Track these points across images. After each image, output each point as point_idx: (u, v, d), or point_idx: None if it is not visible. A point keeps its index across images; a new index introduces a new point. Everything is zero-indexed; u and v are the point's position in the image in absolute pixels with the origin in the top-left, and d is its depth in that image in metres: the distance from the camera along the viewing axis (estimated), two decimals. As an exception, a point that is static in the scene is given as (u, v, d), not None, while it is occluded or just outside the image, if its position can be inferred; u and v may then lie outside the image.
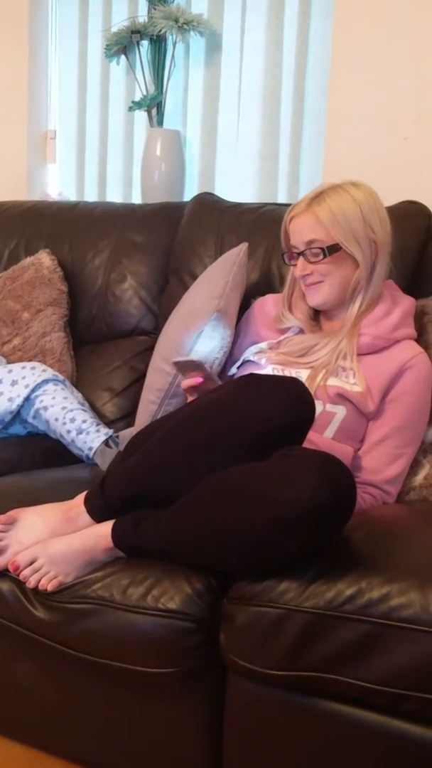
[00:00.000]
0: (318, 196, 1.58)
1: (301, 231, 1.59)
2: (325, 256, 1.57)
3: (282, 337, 1.69)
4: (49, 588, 1.27)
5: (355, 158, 2.20)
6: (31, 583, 1.27)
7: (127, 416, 2.02)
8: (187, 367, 1.54)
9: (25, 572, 1.28)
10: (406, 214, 1.86)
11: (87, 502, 1.33)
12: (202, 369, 1.52)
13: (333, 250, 1.56)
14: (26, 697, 1.40)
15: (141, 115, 2.72)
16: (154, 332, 2.11)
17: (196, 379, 1.53)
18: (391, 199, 1.89)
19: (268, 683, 1.19)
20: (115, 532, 1.27)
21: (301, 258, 1.60)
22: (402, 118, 2.14)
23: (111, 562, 1.28)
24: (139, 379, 2.02)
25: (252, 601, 1.18)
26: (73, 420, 1.79)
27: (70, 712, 1.37)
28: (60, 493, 1.40)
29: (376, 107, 2.17)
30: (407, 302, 1.66)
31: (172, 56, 2.57)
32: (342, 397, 1.54)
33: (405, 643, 1.09)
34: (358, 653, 1.12)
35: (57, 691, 1.37)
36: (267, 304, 1.78)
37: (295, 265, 1.63)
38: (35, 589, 1.28)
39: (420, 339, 1.65)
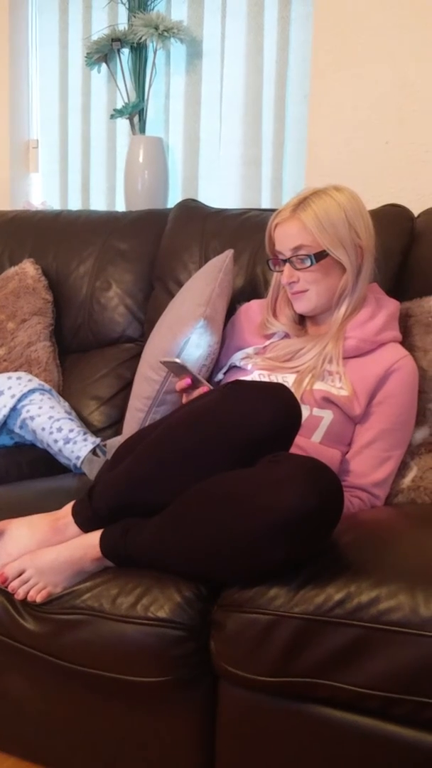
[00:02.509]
0: (302, 202, 1.58)
1: (286, 238, 1.59)
2: (312, 263, 1.57)
3: (268, 342, 1.69)
4: (38, 599, 1.26)
5: (337, 162, 2.20)
6: (19, 594, 1.27)
7: (115, 424, 2.02)
8: (174, 368, 1.55)
9: (14, 584, 1.27)
10: (389, 217, 1.87)
11: (75, 512, 1.32)
12: (187, 370, 1.53)
13: (320, 256, 1.57)
14: (17, 710, 1.39)
15: (123, 123, 2.72)
16: (140, 340, 2.11)
17: (185, 381, 1.54)
18: (373, 203, 1.91)
19: (260, 690, 1.19)
20: (104, 542, 1.26)
21: (287, 265, 1.60)
22: (383, 121, 2.15)
23: (100, 572, 1.28)
24: (126, 387, 2.02)
25: (242, 608, 1.18)
26: (60, 429, 1.79)
27: (62, 723, 1.36)
28: (48, 504, 1.39)
29: (357, 111, 2.18)
30: (392, 305, 1.66)
31: (153, 63, 2.57)
32: (328, 401, 1.54)
33: (395, 646, 1.10)
34: (348, 658, 1.12)
35: (48, 702, 1.36)
36: (252, 310, 1.78)
37: (280, 272, 1.63)
38: (24, 601, 1.28)
39: (405, 341, 1.66)
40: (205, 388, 1.54)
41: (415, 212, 1.92)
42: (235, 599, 1.19)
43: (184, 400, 1.59)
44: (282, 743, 1.21)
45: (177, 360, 1.55)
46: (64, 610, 1.26)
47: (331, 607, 1.13)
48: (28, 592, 1.27)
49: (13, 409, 1.81)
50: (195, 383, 1.55)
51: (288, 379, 1.58)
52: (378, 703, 1.12)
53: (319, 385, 1.56)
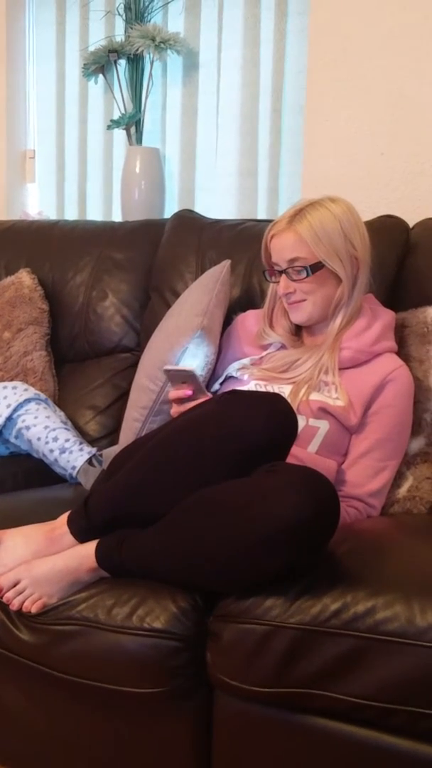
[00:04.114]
0: (298, 214, 1.58)
1: (282, 249, 1.60)
2: (308, 275, 1.57)
3: (264, 353, 1.69)
4: (33, 610, 1.26)
5: (333, 174, 2.21)
6: (14, 605, 1.26)
7: (111, 434, 2.01)
8: (177, 377, 1.54)
9: (9, 594, 1.27)
10: (384, 228, 1.87)
11: (70, 523, 1.32)
12: (193, 380, 1.52)
13: (316, 268, 1.57)
14: (12, 721, 1.38)
15: (120, 134, 2.73)
16: (137, 349, 2.11)
17: (185, 392, 1.53)
18: (368, 214, 1.91)
19: (256, 701, 1.19)
20: (99, 553, 1.26)
21: (283, 276, 1.61)
22: (379, 133, 2.16)
23: (95, 582, 1.28)
24: (122, 396, 2.01)
25: (238, 618, 1.18)
26: (56, 439, 1.78)
27: (57, 734, 1.35)
28: (43, 514, 1.39)
29: (352, 123, 2.19)
30: (387, 315, 1.67)
31: (150, 75, 2.59)
32: (325, 412, 1.54)
33: (391, 656, 1.09)
34: (345, 668, 1.12)
35: (43, 713, 1.36)
36: (248, 320, 1.78)
37: (277, 282, 1.64)
38: (19, 612, 1.27)
39: (400, 352, 1.66)
40: (205, 398, 1.53)
41: (411, 223, 1.93)
42: (231, 609, 1.19)
43: (174, 409, 1.58)
44: (278, 754, 1.20)
45: (187, 368, 1.52)
46: (59, 621, 1.25)
47: (328, 618, 1.13)
48: (23, 603, 1.26)
49: (9, 418, 1.81)
50: (195, 394, 1.54)
51: (284, 390, 1.58)
52: (374, 713, 1.11)
53: (315, 396, 1.56)
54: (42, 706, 1.35)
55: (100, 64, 2.64)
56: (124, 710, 1.29)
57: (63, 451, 1.77)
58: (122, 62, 2.62)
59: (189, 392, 1.53)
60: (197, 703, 1.25)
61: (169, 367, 1.55)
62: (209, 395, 1.55)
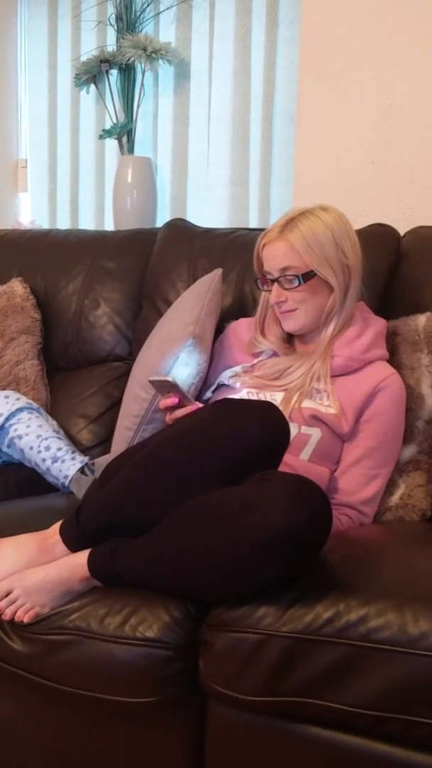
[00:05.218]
0: (290, 223, 1.59)
1: (274, 258, 1.60)
2: (300, 284, 1.58)
3: (256, 361, 1.70)
4: (26, 619, 1.25)
5: (324, 182, 2.22)
6: (7, 614, 1.26)
7: (103, 443, 2.01)
8: (162, 386, 1.55)
9: (1, 604, 1.26)
10: (375, 236, 1.88)
11: (62, 532, 1.32)
12: (176, 389, 1.53)
13: (308, 277, 1.57)
14: (4, 731, 1.38)
15: (112, 143, 2.74)
16: (129, 358, 2.11)
17: (171, 400, 1.54)
18: (360, 222, 1.93)
19: (249, 709, 1.19)
20: (92, 562, 1.26)
21: (275, 285, 1.61)
22: (370, 142, 2.17)
23: (88, 591, 1.27)
24: (115, 405, 2.01)
25: (230, 627, 1.17)
26: (48, 448, 1.78)
27: (49, 744, 1.35)
28: (35, 523, 1.39)
29: (343, 132, 2.20)
30: (379, 324, 1.68)
31: (142, 84, 2.60)
32: (317, 419, 1.55)
33: (384, 664, 1.09)
34: (337, 676, 1.12)
35: (35, 723, 1.35)
36: (240, 328, 1.78)
37: (268, 291, 1.64)
38: (11, 621, 1.27)
39: (392, 360, 1.67)
40: (193, 406, 1.54)
41: (402, 232, 1.94)
42: (223, 618, 1.19)
43: (167, 417, 1.59)
44: (271, 763, 1.20)
45: (168, 378, 1.55)
46: (51, 631, 1.25)
47: (320, 626, 1.13)
48: (15, 612, 1.26)
49: (1, 428, 1.81)
50: (182, 402, 1.55)
51: (276, 398, 1.58)
52: (367, 722, 1.11)
53: (307, 403, 1.56)
54: (34, 716, 1.35)
55: (91, 73, 2.64)
56: (116, 719, 1.28)
57: (55, 460, 1.77)
58: (114, 72, 2.63)
59: (175, 400, 1.54)
60: (190, 712, 1.25)
61: (152, 377, 1.58)
62: (195, 402, 1.56)
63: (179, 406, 1.55)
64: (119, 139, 2.64)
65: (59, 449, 1.78)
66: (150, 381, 1.57)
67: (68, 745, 1.33)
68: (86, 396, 2.09)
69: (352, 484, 1.54)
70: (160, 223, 2.56)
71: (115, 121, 2.64)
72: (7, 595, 1.26)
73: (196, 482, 1.25)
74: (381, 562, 1.28)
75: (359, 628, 1.11)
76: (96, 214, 2.86)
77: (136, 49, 2.47)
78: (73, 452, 1.80)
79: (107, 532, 1.28)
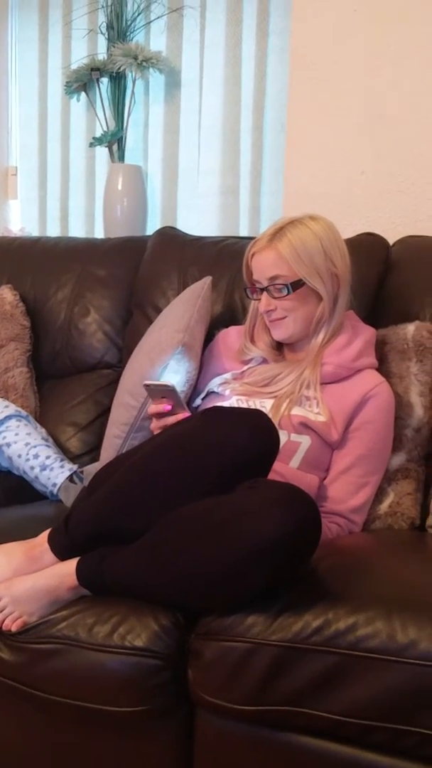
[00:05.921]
0: (279, 232, 1.59)
1: (263, 267, 1.60)
2: (289, 293, 1.58)
3: (246, 368, 1.70)
4: (13, 628, 1.25)
5: (314, 192, 2.23)
6: (-6, 623, 1.25)
7: (92, 451, 2.00)
8: (157, 392, 1.54)
9: (-11, 613, 1.26)
10: (365, 245, 1.89)
11: (51, 540, 1.31)
12: (172, 395, 1.52)
13: (297, 286, 1.58)
14: (-9, 742, 1.37)
15: (102, 151, 2.74)
16: (119, 366, 2.11)
17: (164, 406, 1.53)
18: (349, 231, 1.93)
19: (237, 718, 1.18)
20: (80, 570, 1.25)
21: (264, 293, 1.61)
22: (359, 152, 2.18)
23: (76, 600, 1.27)
24: (104, 413, 2.01)
25: (219, 636, 1.17)
26: (36, 456, 1.77)
27: (37, 753, 1.34)
28: (23, 531, 1.38)
29: (333, 142, 2.21)
30: (368, 332, 1.68)
31: (132, 93, 2.60)
32: (306, 427, 1.55)
33: (373, 673, 1.09)
34: (326, 685, 1.12)
35: (24, 732, 1.34)
36: (230, 336, 1.79)
37: (258, 300, 1.65)
38: (-1, 630, 1.26)
39: (381, 368, 1.67)
40: (182, 414, 1.53)
41: (391, 241, 1.95)
42: (212, 627, 1.19)
43: (153, 424, 1.58)
44: (260, 773, 1.20)
45: (168, 383, 1.53)
46: (39, 640, 1.24)
47: (309, 635, 1.13)
48: (3, 621, 1.25)
49: (-10, 435, 1.80)
50: (174, 409, 1.54)
51: (266, 405, 1.58)
52: (356, 730, 1.11)
53: (296, 411, 1.56)
54: (21, 725, 1.34)
55: (82, 81, 2.65)
56: (105, 729, 1.28)
57: (44, 468, 1.76)
58: (104, 80, 2.63)
59: (168, 407, 1.53)
60: (179, 721, 1.24)
61: (148, 381, 1.56)
62: (188, 411, 1.55)
63: (171, 413, 1.54)
64: (110, 147, 2.64)
65: (48, 457, 1.78)
66: (145, 385, 1.55)
67: (56, 755, 1.33)
68: (75, 404, 2.09)
69: (341, 492, 1.55)
70: (150, 231, 2.56)
71: (105, 129, 2.64)
72: (-6, 603, 1.26)
73: (185, 490, 1.25)
74: (370, 571, 1.28)
75: (348, 636, 1.11)
76: (86, 221, 2.86)
77: (126, 57, 2.48)
78: (61, 460, 1.79)
79: (96, 541, 1.28)
